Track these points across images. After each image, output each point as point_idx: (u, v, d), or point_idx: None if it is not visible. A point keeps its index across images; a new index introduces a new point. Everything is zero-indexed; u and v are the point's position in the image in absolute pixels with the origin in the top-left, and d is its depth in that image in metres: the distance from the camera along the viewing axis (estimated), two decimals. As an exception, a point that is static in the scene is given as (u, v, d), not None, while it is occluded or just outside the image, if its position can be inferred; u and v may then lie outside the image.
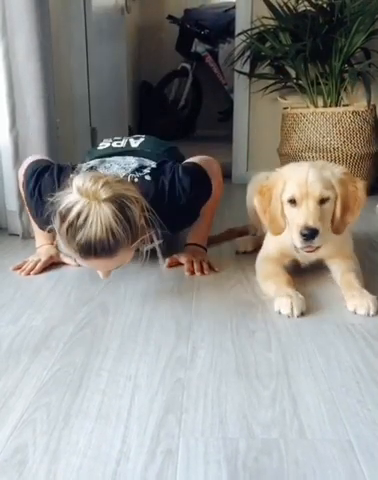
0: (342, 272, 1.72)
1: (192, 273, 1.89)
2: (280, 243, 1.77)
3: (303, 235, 1.57)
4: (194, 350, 1.32)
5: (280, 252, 1.79)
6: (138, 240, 1.55)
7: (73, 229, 1.46)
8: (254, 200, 1.76)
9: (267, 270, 1.76)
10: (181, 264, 1.96)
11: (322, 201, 1.61)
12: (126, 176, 1.78)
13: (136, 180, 1.76)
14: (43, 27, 2.13)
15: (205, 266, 1.92)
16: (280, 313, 1.52)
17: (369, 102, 2.97)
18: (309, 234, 1.57)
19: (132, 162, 1.88)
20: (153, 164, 1.88)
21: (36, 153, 2.02)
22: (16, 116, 2.17)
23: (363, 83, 2.96)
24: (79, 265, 1.95)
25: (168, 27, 5.68)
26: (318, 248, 1.63)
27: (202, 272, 1.89)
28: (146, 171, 1.83)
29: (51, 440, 0.98)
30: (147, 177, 1.79)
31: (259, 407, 1.08)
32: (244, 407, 1.08)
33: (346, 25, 2.96)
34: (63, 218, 1.48)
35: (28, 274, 1.88)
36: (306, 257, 1.78)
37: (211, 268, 1.93)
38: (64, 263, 1.98)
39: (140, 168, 1.84)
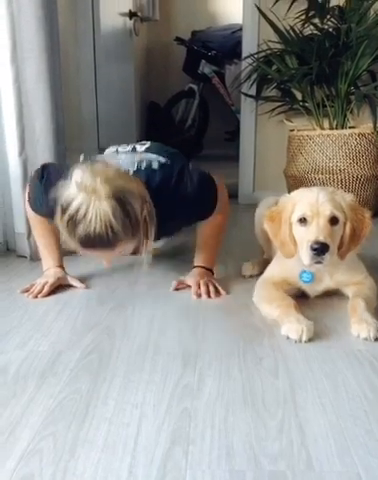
0: (351, 297, 1.73)
1: (199, 296, 1.89)
2: (286, 271, 1.78)
3: (313, 249, 1.57)
4: (201, 378, 1.32)
5: (284, 279, 1.79)
6: (139, 234, 1.57)
7: (73, 222, 1.49)
8: (264, 225, 1.77)
9: (270, 293, 1.76)
10: (188, 287, 1.96)
11: (332, 221, 1.62)
12: (133, 164, 1.79)
13: (143, 168, 1.77)
14: (53, 53, 2.17)
15: (212, 289, 1.92)
16: (288, 338, 1.52)
17: (375, 124, 2.98)
18: (319, 248, 1.57)
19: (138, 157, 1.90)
20: (161, 158, 1.87)
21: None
22: (25, 140, 2.20)
23: (369, 106, 2.98)
24: (86, 287, 1.97)
25: (176, 49, 5.74)
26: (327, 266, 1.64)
27: (209, 295, 1.89)
28: (154, 163, 1.83)
29: (57, 471, 0.98)
30: (155, 166, 1.80)
31: (266, 438, 1.07)
32: (251, 438, 1.07)
33: (352, 49, 2.99)
34: (64, 211, 1.51)
35: (36, 297, 1.89)
36: (313, 288, 1.79)
37: (218, 291, 1.93)
38: (72, 285, 1.99)
39: (147, 159, 1.84)
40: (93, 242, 1.51)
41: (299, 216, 1.65)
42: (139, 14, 4.30)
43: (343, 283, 1.78)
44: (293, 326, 1.52)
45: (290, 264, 1.76)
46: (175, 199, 1.77)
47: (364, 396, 1.23)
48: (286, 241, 1.69)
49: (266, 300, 1.74)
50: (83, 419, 1.15)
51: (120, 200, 1.49)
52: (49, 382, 1.30)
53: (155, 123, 5.75)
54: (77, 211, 1.48)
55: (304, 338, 1.50)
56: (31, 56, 2.13)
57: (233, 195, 3.73)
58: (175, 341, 1.53)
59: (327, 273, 1.76)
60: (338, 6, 3.18)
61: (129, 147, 2.09)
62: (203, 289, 1.91)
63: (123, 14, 3.95)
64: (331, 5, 3.17)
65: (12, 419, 1.15)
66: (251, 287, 1.92)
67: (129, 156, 1.86)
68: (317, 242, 1.57)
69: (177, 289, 1.96)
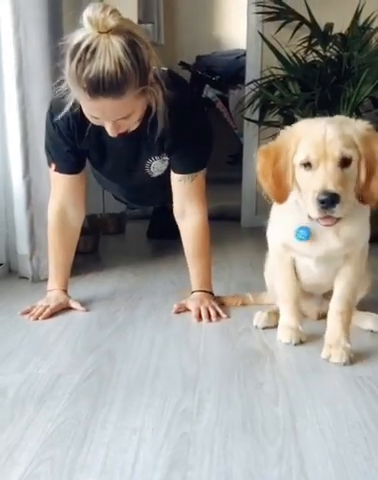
0: (332, 304, 1.60)
1: (200, 319, 1.89)
2: (284, 233, 1.60)
3: (321, 201, 1.33)
4: (200, 402, 1.31)
5: (284, 244, 1.63)
6: (147, 84, 1.58)
7: (82, 63, 1.50)
8: (257, 165, 1.50)
9: (286, 277, 1.70)
10: (189, 310, 1.96)
11: (344, 163, 1.36)
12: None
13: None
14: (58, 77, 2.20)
15: (213, 313, 1.92)
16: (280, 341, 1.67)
17: (377, 150, 3.00)
18: (328, 200, 1.32)
19: None
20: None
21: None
22: (29, 162, 2.22)
23: (371, 132, 3.00)
24: (87, 310, 1.97)
25: (180, 73, 5.81)
26: (339, 220, 1.41)
27: (210, 319, 1.89)
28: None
29: (54, 496, 0.97)
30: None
31: (266, 464, 1.07)
32: (250, 464, 1.06)
33: (354, 76, 3.02)
34: (72, 55, 1.51)
35: (37, 319, 1.89)
36: (314, 250, 1.55)
37: (219, 315, 1.93)
38: (73, 308, 1.99)
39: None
40: (102, 83, 1.49)
41: (302, 160, 1.39)
42: (144, 40, 4.37)
43: (345, 246, 1.53)
44: (288, 332, 1.67)
45: (287, 223, 1.56)
46: (184, 120, 1.81)
47: (364, 423, 1.22)
48: (282, 181, 1.44)
49: (282, 281, 1.72)
50: (81, 444, 1.14)
51: (130, 40, 1.51)
52: (48, 405, 1.30)
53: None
54: (87, 49, 1.48)
55: (294, 341, 1.63)
56: (37, 80, 2.16)
57: (235, 218, 3.76)
58: (175, 365, 1.53)
59: (332, 229, 1.49)
60: (340, 34, 3.22)
61: None
62: (204, 313, 1.91)
63: (129, 40, 4.03)
64: (333, 33, 3.21)
65: (10, 442, 1.14)
66: (252, 310, 1.92)
67: None
68: (325, 192, 1.32)
69: (178, 312, 1.96)
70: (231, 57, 5.50)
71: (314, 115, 3.13)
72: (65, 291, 2.03)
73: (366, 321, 1.78)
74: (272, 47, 3.25)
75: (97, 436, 1.17)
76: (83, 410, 1.28)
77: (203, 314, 1.90)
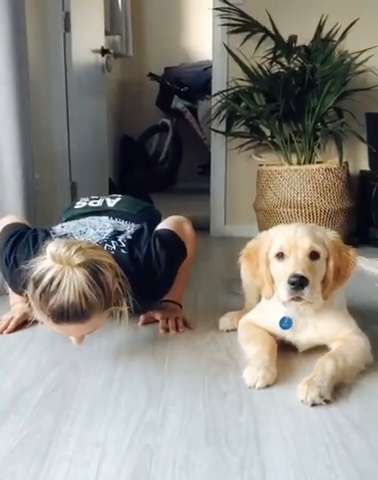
0: (327, 354, 1.54)
1: (167, 330, 1.89)
2: (266, 320, 1.69)
3: (291, 283, 1.44)
4: (164, 414, 1.31)
5: (265, 329, 1.69)
6: (111, 305, 1.56)
7: (46, 294, 1.47)
8: (242, 264, 1.69)
9: (250, 332, 1.70)
10: (156, 321, 1.96)
11: (312, 256, 1.51)
12: (102, 244, 1.79)
13: (112, 253, 1.75)
14: (21, 88, 2.19)
15: (180, 323, 1.92)
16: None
17: (341, 160, 3.06)
18: (297, 282, 1.44)
19: (107, 226, 1.90)
20: (129, 230, 1.90)
21: (13, 213, 2.04)
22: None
23: (335, 141, 3.05)
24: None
25: (149, 84, 5.84)
26: (308, 303, 1.51)
27: (177, 329, 1.89)
28: (121, 239, 1.83)
29: (14, 513, 0.96)
30: (123, 251, 1.79)
31: (227, 475, 1.07)
32: (212, 475, 1.07)
33: (317, 87, 3.08)
34: (36, 284, 1.49)
35: (1, 333, 1.87)
36: (296, 339, 1.64)
37: (186, 325, 1.93)
38: (38, 321, 1.96)
39: (115, 235, 1.85)
40: (66, 314, 1.47)
41: (276, 251, 1.54)
42: (111, 51, 4.38)
43: (327, 337, 1.62)
44: (251, 371, 1.47)
45: (271, 312, 1.65)
46: (148, 283, 1.78)
47: (325, 430, 1.24)
48: (264, 280, 1.59)
49: (245, 340, 1.69)
50: (44, 458, 1.13)
51: (94, 270, 1.50)
52: (11, 420, 1.29)
53: (129, 157, 5.81)
54: (51, 282, 1.47)
55: (258, 385, 1.43)
56: (0, 89, 2.15)
57: (205, 228, 3.78)
58: (140, 377, 1.53)
59: (311, 322, 1.61)
60: (304, 46, 3.29)
61: (100, 201, 2.11)
62: (171, 324, 1.91)
63: (95, 51, 4.02)
64: (297, 45, 3.27)
65: (-30, 460, 1.13)
66: (218, 322, 1.92)
67: (97, 235, 1.85)
68: (295, 275, 1.44)
69: (145, 323, 1.96)
70: (199, 68, 5.55)
71: (280, 126, 3.19)
72: (29, 302, 2.01)
73: None
74: (237, 59, 3.30)
75: (60, 450, 1.16)
76: (46, 424, 1.27)
77: (170, 325, 1.90)
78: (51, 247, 1.51)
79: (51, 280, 1.47)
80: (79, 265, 1.48)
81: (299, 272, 1.45)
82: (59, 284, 1.46)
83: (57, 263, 1.48)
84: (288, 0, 3.43)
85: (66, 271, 1.47)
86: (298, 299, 1.48)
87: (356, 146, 3.45)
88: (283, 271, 1.50)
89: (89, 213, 2.02)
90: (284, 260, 1.52)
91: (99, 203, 2.09)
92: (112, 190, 4.37)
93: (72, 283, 1.46)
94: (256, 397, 1.39)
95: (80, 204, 2.12)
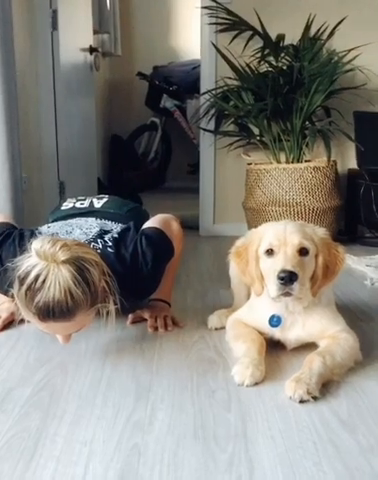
0: (316, 351, 1.55)
1: (155, 329, 1.89)
2: (255, 319, 1.69)
3: (280, 278, 1.45)
4: (153, 412, 1.31)
5: (254, 327, 1.69)
6: (97, 303, 1.55)
7: (31, 292, 1.46)
8: (231, 262, 1.70)
9: (239, 330, 1.69)
10: (145, 320, 1.95)
11: (302, 252, 1.52)
12: (88, 243, 1.78)
13: (98, 251, 1.74)
14: (9, 85, 2.19)
15: (169, 322, 1.92)
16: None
17: (329, 158, 3.07)
18: (287, 277, 1.45)
19: (94, 226, 1.90)
20: (115, 229, 1.89)
21: (0, 212, 2.03)
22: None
23: (323, 140, 3.06)
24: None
25: (138, 83, 5.83)
26: (298, 299, 1.53)
27: (166, 328, 1.89)
28: (108, 238, 1.82)
29: (0, 513, 0.96)
30: (109, 249, 1.78)
31: (216, 472, 1.07)
32: (200, 472, 1.07)
33: (305, 86, 3.09)
34: (22, 282, 1.48)
35: (-12, 332, 1.86)
36: (285, 337, 1.64)
37: (175, 324, 1.93)
38: (25, 320, 1.95)
39: (102, 234, 1.85)
40: (52, 312, 1.46)
41: (266, 247, 1.54)
42: (100, 50, 4.37)
43: (316, 334, 1.62)
44: (240, 369, 1.46)
45: (260, 310, 1.66)
46: (135, 281, 1.78)
47: (313, 427, 1.24)
48: (254, 277, 1.60)
49: (234, 338, 1.68)
50: (31, 458, 1.13)
51: (79, 267, 1.49)
52: (-2, 420, 1.28)
53: (118, 156, 5.80)
54: (36, 279, 1.46)
55: (246, 383, 1.43)
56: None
57: (194, 227, 3.77)
58: (128, 375, 1.52)
59: (299, 320, 1.62)
60: (292, 45, 3.29)
61: (87, 202, 2.10)
62: (159, 322, 1.90)
63: (84, 49, 4.01)
64: (285, 44, 3.27)
65: None
66: (207, 320, 1.93)
67: (83, 234, 1.85)
68: (284, 271, 1.45)
69: (134, 322, 1.95)
70: (187, 67, 5.54)
71: (268, 124, 3.20)
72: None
73: None
74: (225, 58, 3.30)
75: (47, 450, 1.15)
76: (34, 423, 1.26)
77: (159, 323, 1.90)
78: (36, 244, 1.50)
79: (36, 277, 1.46)
80: (64, 262, 1.47)
81: (288, 267, 1.46)
82: (44, 281, 1.45)
83: (42, 260, 1.47)
84: (276, -1, 3.44)
85: (51, 268, 1.46)
86: (287, 294, 1.49)
87: (344, 145, 3.47)
88: (273, 267, 1.51)
89: (76, 214, 2.01)
90: (273, 256, 1.53)
91: (86, 204, 2.08)
92: (101, 189, 4.36)
93: (57, 280, 1.45)
94: (245, 395, 1.39)
95: (67, 205, 2.11)
